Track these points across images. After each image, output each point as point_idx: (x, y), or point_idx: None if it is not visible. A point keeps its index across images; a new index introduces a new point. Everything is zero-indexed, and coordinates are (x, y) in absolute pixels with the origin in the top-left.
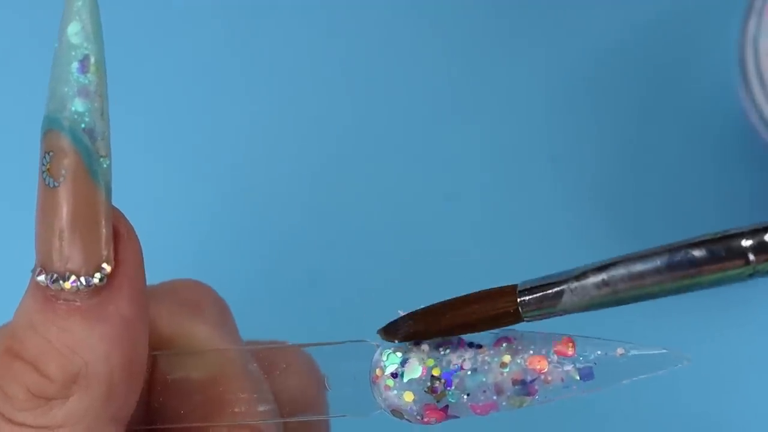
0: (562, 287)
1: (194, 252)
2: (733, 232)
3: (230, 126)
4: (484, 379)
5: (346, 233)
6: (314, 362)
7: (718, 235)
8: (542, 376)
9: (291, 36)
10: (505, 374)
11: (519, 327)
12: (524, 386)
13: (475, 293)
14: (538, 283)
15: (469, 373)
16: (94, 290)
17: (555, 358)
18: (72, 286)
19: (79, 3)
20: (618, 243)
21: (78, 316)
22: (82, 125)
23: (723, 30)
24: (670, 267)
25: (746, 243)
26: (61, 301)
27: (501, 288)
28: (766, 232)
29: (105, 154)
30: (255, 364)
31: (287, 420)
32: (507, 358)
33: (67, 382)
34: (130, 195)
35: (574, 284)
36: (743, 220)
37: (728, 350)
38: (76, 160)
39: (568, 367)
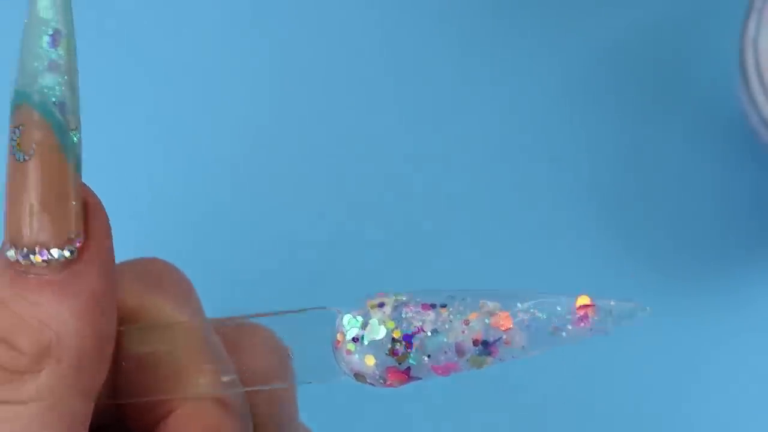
0: None
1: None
2: None
3: (231, 124)
4: (445, 340)
5: (346, 233)
6: (277, 338)
7: None
8: (504, 337)
9: (289, 28)
10: (466, 333)
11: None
12: (486, 347)
13: None
14: None
15: (429, 334)
16: (64, 264)
17: (520, 317)
18: (42, 260)
19: None
20: (618, 243)
21: (48, 289)
22: (53, 99)
23: (723, 30)
24: None
25: None
26: (32, 276)
27: None
28: None
29: (75, 127)
30: (217, 336)
31: (251, 389)
32: (473, 315)
33: (39, 356)
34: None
35: None
36: (743, 221)
37: (728, 350)
38: (47, 133)
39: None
